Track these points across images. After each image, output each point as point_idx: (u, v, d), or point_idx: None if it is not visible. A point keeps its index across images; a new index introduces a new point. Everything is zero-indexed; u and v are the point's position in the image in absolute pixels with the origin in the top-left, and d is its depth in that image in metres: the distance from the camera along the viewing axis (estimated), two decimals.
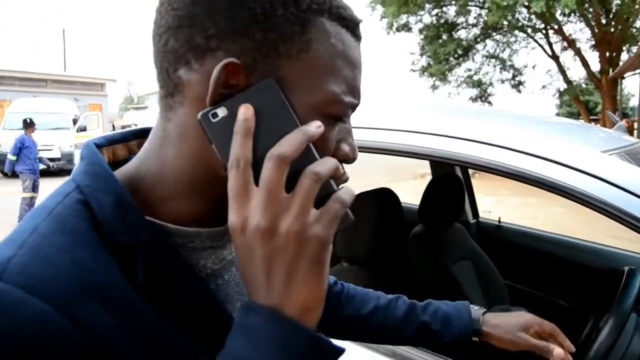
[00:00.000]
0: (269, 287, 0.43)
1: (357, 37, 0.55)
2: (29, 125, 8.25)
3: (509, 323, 0.91)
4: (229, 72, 0.47)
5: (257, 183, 0.44)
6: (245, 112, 0.46)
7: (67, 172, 12.32)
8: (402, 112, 1.50)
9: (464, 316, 0.92)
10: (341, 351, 0.45)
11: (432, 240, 2.14)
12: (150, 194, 0.53)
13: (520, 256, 2.64)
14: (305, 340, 0.43)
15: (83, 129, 14.97)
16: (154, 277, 0.49)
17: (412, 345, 0.98)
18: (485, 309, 0.94)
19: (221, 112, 0.47)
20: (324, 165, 0.45)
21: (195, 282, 0.53)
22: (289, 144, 0.44)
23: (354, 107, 0.54)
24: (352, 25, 0.53)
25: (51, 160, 13.11)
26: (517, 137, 1.17)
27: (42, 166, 8.35)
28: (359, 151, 0.58)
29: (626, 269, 1.43)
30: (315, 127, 0.46)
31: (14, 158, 7.75)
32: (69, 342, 0.42)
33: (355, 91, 0.54)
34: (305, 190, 0.43)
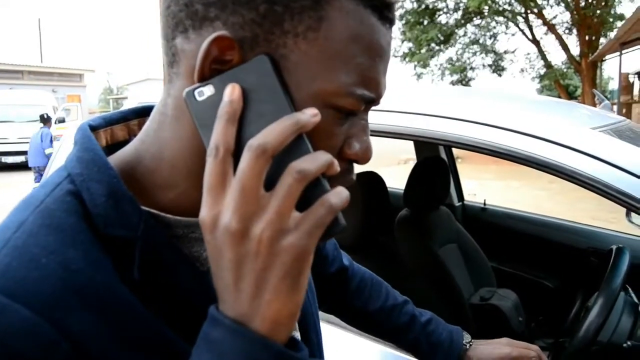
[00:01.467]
0: (237, 295, 0.39)
1: (385, 20, 0.47)
2: (46, 120, 9.25)
3: (489, 355, 0.92)
4: (222, 47, 0.42)
5: None
6: (231, 92, 0.41)
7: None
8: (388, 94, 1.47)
9: (455, 347, 0.94)
10: None
11: (417, 224, 2.13)
12: (148, 180, 0.49)
13: (505, 238, 2.66)
14: (274, 357, 0.38)
15: (62, 121, 14.75)
16: (151, 273, 0.45)
17: (401, 348, 1.00)
18: (471, 341, 0.96)
19: (208, 90, 0.42)
20: (313, 161, 0.39)
21: (196, 277, 0.49)
22: (272, 133, 0.39)
23: (368, 101, 0.47)
24: (379, 5, 0.46)
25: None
26: (506, 115, 1.15)
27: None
28: None
29: (614, 247, 1.42)
30: (309, 115, 0.41)
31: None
32: (54, 352, 0.39)
33: (371, 83, 0.47)
34: (285, 191, 0.38)
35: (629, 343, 1.18)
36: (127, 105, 14.11)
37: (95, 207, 0.45)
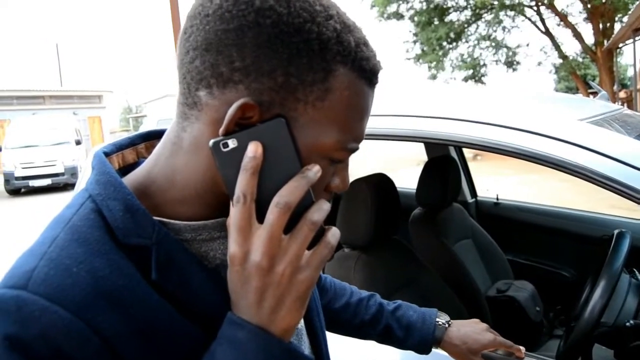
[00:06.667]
0: (258, 311, 0.50)
1: (372, 84, 0.57)
2: None
3: (468, 338, 0.96)
4: (246, 108, 0.50)
5: (258, 217, 0.50)
6: (255, 149, 0.49)
7: (72, 186, 12.42)
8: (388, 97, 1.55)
9: (427, 326, 0.98)
10: (311, 359, 0.53)
11: (431, 222, 2.18)
12: (160, 197, 0.57)
13: (519, 230, 2.69)
14: (286, 353, 0.50)
15: (78, 143, 15.03)
16: (167, 273, 0.53)
17: (378, 342, 1.02)
18: (450, 321, 0.99)
19: (232, 143, 0.50)
20: (320, 212, 0.50)
21: (205, 272, 0.56)
22: (294, 193, 0.49)
23: (355, 150, 0.58)
24: (370, 76, 0.55)
25: (55, 175, 13.30)
26: (496, 112, 1.21)
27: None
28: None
29: (616, 231, 1.47)
30: (314, 172, 0.51)
31: None
32: (87, 345, 0.47)
33: (358, 137, 0.57)
34: (303, 238, 0.49)
35: (631, 322, 1.23)
36: (147, 122, 14.30)
37: (114, 221, 0.53)
